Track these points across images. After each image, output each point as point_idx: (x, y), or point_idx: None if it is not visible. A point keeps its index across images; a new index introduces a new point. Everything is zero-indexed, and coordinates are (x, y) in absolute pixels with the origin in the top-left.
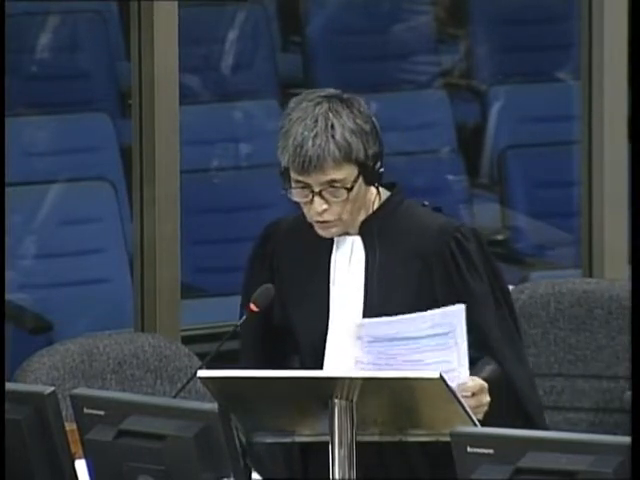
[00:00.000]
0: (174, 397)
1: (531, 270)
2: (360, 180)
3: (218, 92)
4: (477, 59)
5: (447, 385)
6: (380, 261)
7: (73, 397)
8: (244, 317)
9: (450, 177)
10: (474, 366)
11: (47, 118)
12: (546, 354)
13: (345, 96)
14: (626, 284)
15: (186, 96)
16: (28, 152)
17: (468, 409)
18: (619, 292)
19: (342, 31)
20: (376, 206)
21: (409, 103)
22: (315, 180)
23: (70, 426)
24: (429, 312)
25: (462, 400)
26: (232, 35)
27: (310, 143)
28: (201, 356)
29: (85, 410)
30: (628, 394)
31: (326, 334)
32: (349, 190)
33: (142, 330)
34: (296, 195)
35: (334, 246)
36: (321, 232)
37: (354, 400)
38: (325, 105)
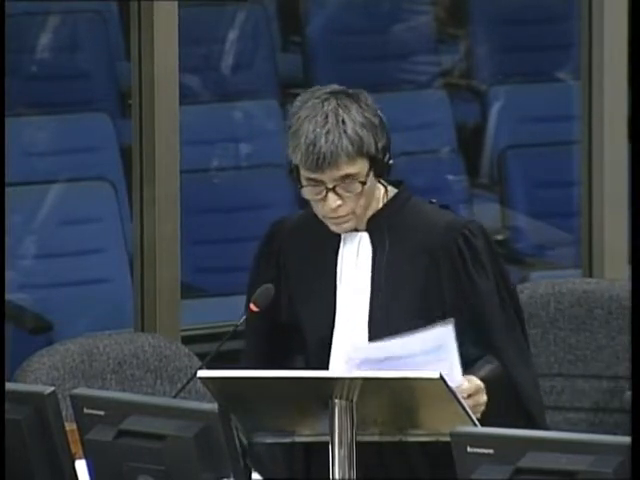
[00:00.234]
0: (174, 397)
1: (531, 270)
2: (371, 174)
3: (218, 92)
4: (477, 59)
5: (447, 385)
6: (387, 257)
7: (73, 397)
8: (244, 317)
9: (450, 177)
10: (475, 364)
11: (47, 118)
12: (546, 354)
13: (350, 91)
14: (626, 284)
15: (186, 96)
16: (28, 152)
17: (468, 409)
18: (619, 292)
19: (342, 31)
20: (383, 203)
21: (409, 103)
22: (329, 176)
23: (70, 426)
24: (418, 334)
25: (462, 400)
26: (232, 35)
27: (323, 140)
28: (201, 356)
29: (85, 410)
30: (628, 394)
31: (333, 330)
32: (364, 184)
33: (142, 330)
34: (308, 193)
35: (341, 242)
36: (334, 228)
37: (354, 400)
38: (333, 101)
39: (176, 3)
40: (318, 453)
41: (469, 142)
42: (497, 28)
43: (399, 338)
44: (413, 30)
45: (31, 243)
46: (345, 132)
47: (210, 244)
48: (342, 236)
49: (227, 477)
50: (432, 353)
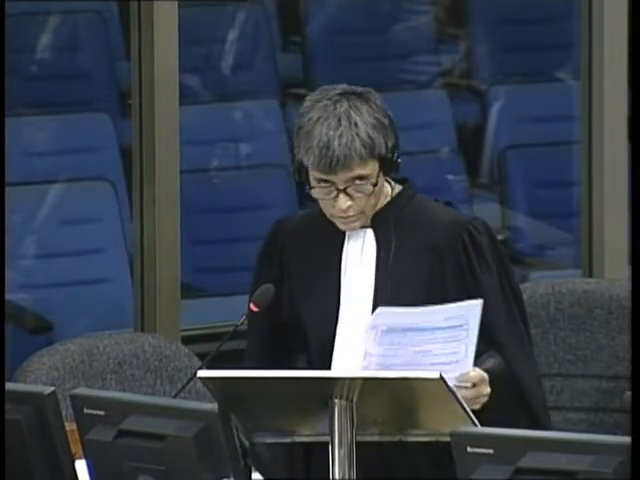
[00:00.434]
0: (174, 397)
1: (531, 270)
2: (381, 173)
3: (218, 92)
4: (477, 59)
5: (447, 385)
6: (392, 254)
7: (73, 397)
8: (244, 317)
9: (450, 177)
10: (478, 358)
11: (47, 118)
12: (546, 354)
13: (359, 90)
14: (626, 284)
15: (186, 96)
16: (28, 152)
17: (468, 409)
18: (619, 292)
19: (342, 31)
20: (388, 200)
21: (409, 103)
22: (340, 178)
23: (70, 426)
24: (446, 305)
25: (462, 400)
26: (232, 35)
27: (336, 143)
28: (201, 356)
29: (85, 410)
30: (628, 394)
31: (336, 327)
32: (375, 185)
33: (142, 330)
34: (318, 193)
35: (346, 239)
36: (342, 227)
37: (354, 400)
38: (345, 103)
39: (176, 3)
40: (318, 453)
41: (469, 142)
42: (497, 28)
43: (424, 307)
44: (413, 30)
45: (31, 243)
46: (358, 135)
47: (210, 244)
48: (347, 233)
49: (227, 477)
50: (453, 330)
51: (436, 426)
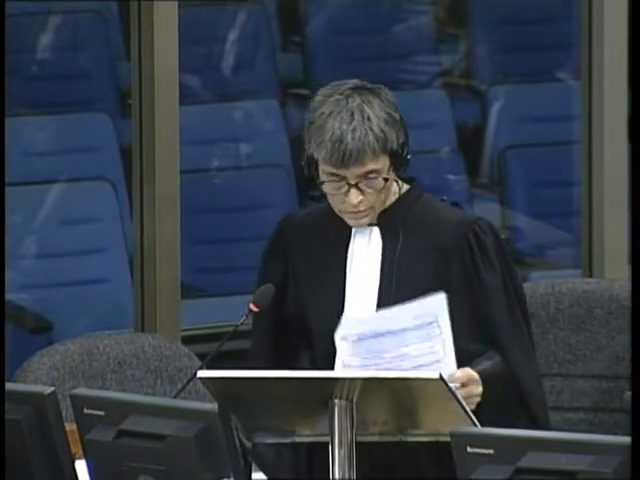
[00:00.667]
0: (174, 397)
1: (531, 270)
2: (392, 169)
3: (218, 92)
4: (477, 59)
5: (447, 385)
6: (398, 252)
7: (73, 397)
8: (244, 317)
9: (450, 177)
10: (477, 359)
11: (47, 118)
12: (546, 354)
13: (370, 85)
14: (626, 284)
15: (186, 96)
16: (28, 152)
17: (468, 409)
18: (619, 292)
19: (342, 31)
20: (395, 198)
21: (409, 103)
22: (352, 173)
23: (70, 426)
24: (410, 304)
25: (462, 400)
26: (232, 35)
27: (350, 137)
28: (201, 356)
29: (85, 410)
30: (628, 394)
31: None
32: (386, 180)
33: (142, 330)
34: (329, 188)
35: (352, 236)
36: (352, 222)
37: (354, 400)
38: (357, 97)
39: (176, 3)
40: (321, 452)
41: (469, 142)
42: (497, 28)
43: (389, 310)
44: (413, 30)
45: (31, 243)
46: (371, 129)
47: (210, 244)
48: (353, 230)
49: (227, 477)
50: (424, 328)
51: (436, 426)
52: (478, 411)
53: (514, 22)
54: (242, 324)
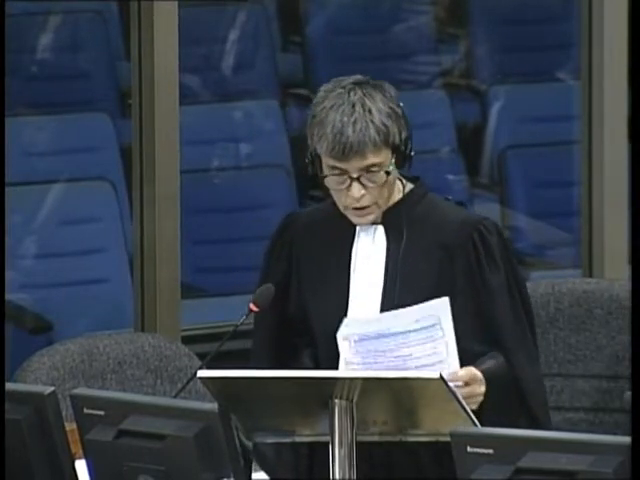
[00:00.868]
0: (174, 397)
1: (531, 270)
2: (394, 164)
3: (218, 92)
4: (477, 59)
5: (447, 385)
6: (402, 251)
7: (73, 397)
8: (244, 317)
9: (450, 177)
10: (480, 359)
11: (47, 118)
12: (546, 354)
13: (372, 81)
14: (626, 284)
15: (186, 96)
16: (28, 152)
17: (468, 409)
18: (619, 292)
19: (342, 31)
20: (400, 197)
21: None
22: (354, 166)
23: (70, 426)
24: (413, 307)
25: (462, 400)
26: (232, 35)
27: (350, 129)
28: (201, 356)
29: (85, 410)
30: (628, 394)
31: None
32: (388, 174)
33: (142, 330)
34: (331, 182)
35: (356, 235)
36: (356, 220)
37: (354, 400)
38: (359, 91)
39: (176, 3)
40: (321, 452)
41: (469, 142)
42: (497, 28)
43: (391, 312)
44: (413, 30)
45: (31, 243)
46: (372, 121)
47: (210, 244)
48: (357, 229)
49: (227, 477)
50: (426, 330)
51: (436, 426)
52: (480, 410)
53: (514, 22)
54: (242, 324)
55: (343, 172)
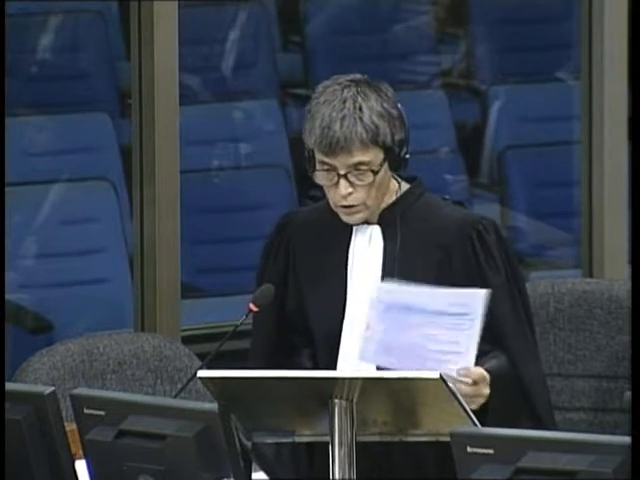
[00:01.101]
0: (174, 397)
1: (531, 270)
2: (385, 165)
3: (218, 92)
4: (477, 59)
5: (447, 385)
6: (399, 251)
7: (73, 397)
8: (244, 317)
9: (450, 177)
10: (482, 358)
11: (47, 118)
12: (545, 354)
13: (371, 80)
14: (626, 284)
15: (186, 96)
16: (28, 152)
17: (468, 409)
18: (619, 292)
19: (342, 31)
20: (396, 197)
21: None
22: (341, 162)
23: (70, 426)
24: (450, 290)
25: (462, 400)
26: (232, 35)
27: (338, 125)
28: (201, 356)
29: (85, 410)
30: (628, 394)
31: (341, 323)
32: (375, 173)
33: (142, 330)
34: (321, 178)
35: (353, 235)
36: (345, 218)
37: (354, 400)
38: (353, 88)
39: (176, 3)
40: (321, 452)
41: (469, 142)
42: (497, 28)
43: (428, 288)
44: (413, 30)
45: (31, 243)
46: (361, 119)
47: (210, 244)
48: (353, 229)
49: (227, 477)
50: (457, 317)
51: (436, 426)
52: (484, 411)
53: (514, 22)
54: (242, 324)
55: (331, 168)
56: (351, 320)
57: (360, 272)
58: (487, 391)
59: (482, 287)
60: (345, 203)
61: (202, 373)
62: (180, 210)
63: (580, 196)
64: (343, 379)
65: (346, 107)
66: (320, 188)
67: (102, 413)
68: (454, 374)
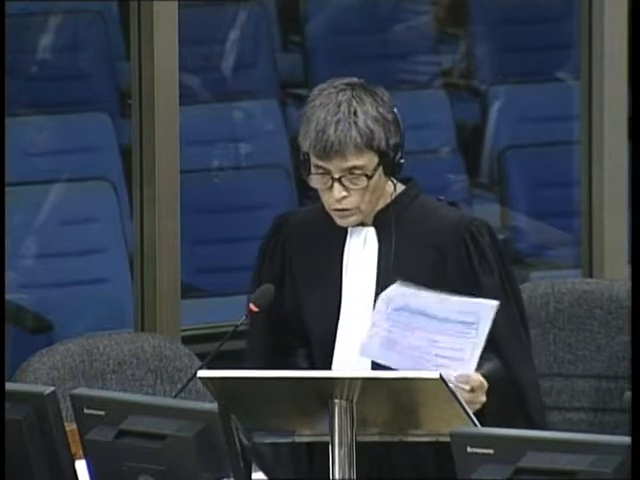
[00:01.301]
0: (174, 397)
1: (531, 270)
2: (380, 170)
3: (218, 92)
4: (477, 59)
5: (447, 385)
6: (394, 252)
7: (73, 397)
8: (244, 317)
9: (450, 177)
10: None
11: (47, 118)
12: (545, 354)
13: (367, 84)
14: (626, 284)
15: (186, 96)
16: (28, 152)
17: (468, 409)
18: (619, 292)
19: (342, 31)
20: (391, 199)
21: (409, 103)
22: (335, 166)
23: (70, 426)
24: (461, 298)
25: (462, 400)
26: (232, 35)
27: (332, 128)
28: (201, 356)
29: (85, 410)
30: (628, 394)
31: (337, 324)
32: (369, 177)
33: (142, 330)
34: (315, 181)
35: (348, 236)
36: (339, 221)
37: (354, 400)
38: (349, 92)
39: (176, 3)
40: (321, 452)
41: (469, 142)
42: (497, 28)
43: (438, 294)
44: (413, 30)
45: (31, 243)
46: (356, 123)
47: (210, 244)
48: (348, 230)
49: (227, 477)
50: (465, 325)
51: (436, 426)
52: (481, 416)
53: (514, 22)
54: (242, 324)
55: (326, 172)
56: (346, 321)
57: (355, 273)
58: (484, 399)
59: (476, 289)
60: (339, 207)
61: (202, 373)
62: (180, 210)
63: (580, 196)
64: (343, 379)
65: (341, 111)
66: (316, 190)
67: (102, 413)
68: (452, 379)
